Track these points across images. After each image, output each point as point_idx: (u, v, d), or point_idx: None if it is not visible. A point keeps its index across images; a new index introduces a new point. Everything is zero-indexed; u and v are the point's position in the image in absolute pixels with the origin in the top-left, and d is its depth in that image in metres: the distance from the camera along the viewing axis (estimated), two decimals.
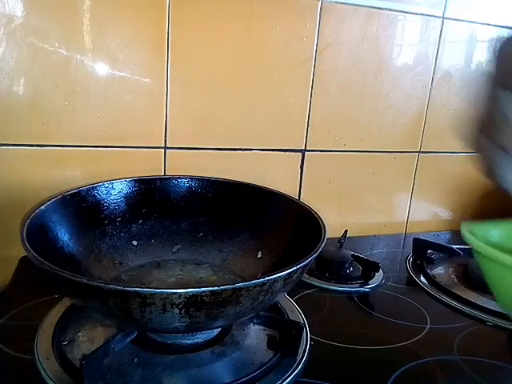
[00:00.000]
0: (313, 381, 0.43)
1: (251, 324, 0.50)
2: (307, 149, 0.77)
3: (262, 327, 0.50)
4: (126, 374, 0.41)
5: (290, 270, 0.39)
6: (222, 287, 0.35)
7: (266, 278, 0.37)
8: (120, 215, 0.59)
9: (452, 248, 0.73)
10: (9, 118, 0.60)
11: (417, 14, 0.77)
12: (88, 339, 0.46)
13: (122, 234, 0.59)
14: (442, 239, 0.87)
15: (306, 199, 0.76)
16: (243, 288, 0.36)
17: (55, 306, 0.51)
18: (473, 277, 0.67)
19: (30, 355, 0.43)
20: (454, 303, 0.60)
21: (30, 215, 0.46)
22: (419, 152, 0.86)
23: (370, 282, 0.64)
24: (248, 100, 0.71)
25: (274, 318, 0.50)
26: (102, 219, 0.57)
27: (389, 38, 0.77)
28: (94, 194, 0.57)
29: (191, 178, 0.64)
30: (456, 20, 0.80)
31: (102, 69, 0.62)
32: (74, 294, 0.40)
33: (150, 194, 0.61)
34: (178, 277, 0.57)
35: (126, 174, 0.61)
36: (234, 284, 0.36)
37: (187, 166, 0.69)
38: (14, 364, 0.43)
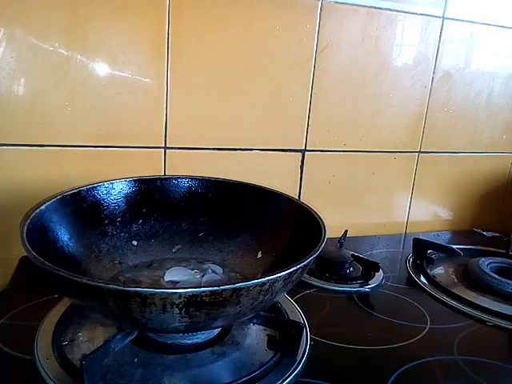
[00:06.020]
0: (313, 381, 0.43)
1: (251, 324, 0.50)
2: (307, 149, 0.77)
3: (262, 327, 0.50)
4: (125, 374, 0.41)
5: (290, 270, 0.39)
6: (221, 287, 0.35)
7: (266, 278, 0.37)
8: (120, 215, 0.59)
9: (452, 248, 0.73)
10: (9, 118, 0.60)
11: (417, 13, 0.77)
12: (88, 339, 0.46)
13: (122, 234, 0.59)
14: (442, 239, 0.87)
15: (306, 199, 0.76)
16: (243, 288, 0.36)
17: (55, 306, 0.51)
18: (473, 277, 0.67)
19: (30, 355, 0.43)
20: (453, 303, 0.60)
21: (30, 215, 0.46)
22: (419, 152, 0.86)
23: (370, 282, 0.64)
24: (248, 100, 0.71)
25: (273, 318, 0.50)
26: (102, 219, 0.57)
27: (389, 38, 0.77)
28: (94, 194, 0.57)
29: (191, 178, 0.64)
30: (456, 20, 0.80)
31: (101, 69, 0.62)
32: (74, 293, 0.40)
33: (150, 194, 0.61)
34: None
35: (126, 173, 0.61)
36: (234, 284, 0.36)
37: (187, 166, 0.69)
38: (14, 364, 0.43)
